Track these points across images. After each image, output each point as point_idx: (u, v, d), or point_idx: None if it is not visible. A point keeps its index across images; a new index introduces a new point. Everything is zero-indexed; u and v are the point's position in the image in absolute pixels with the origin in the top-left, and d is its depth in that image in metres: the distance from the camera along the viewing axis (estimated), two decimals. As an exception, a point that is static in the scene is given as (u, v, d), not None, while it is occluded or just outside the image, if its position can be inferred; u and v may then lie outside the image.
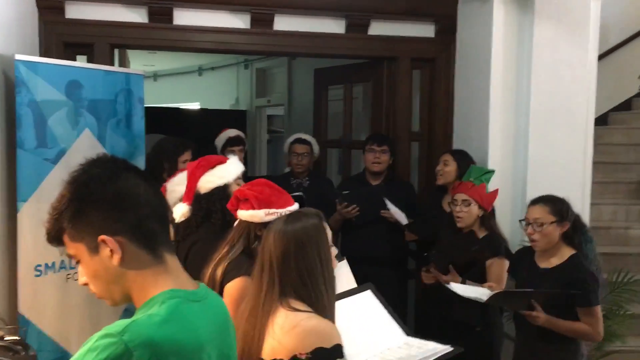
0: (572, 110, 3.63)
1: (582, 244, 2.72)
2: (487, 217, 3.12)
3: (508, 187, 3.66)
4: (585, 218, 3.43)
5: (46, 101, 2.89)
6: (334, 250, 1.95)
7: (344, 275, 2.49)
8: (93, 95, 3.12)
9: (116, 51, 3.85)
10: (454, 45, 4.08)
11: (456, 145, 4.06)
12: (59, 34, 3.56)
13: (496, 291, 2.71)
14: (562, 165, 3.60)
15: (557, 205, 2.68)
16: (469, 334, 2.97)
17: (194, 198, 2.47)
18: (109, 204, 1.11)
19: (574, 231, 2.72)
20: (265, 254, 1.77)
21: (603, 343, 3.31)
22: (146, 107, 3.53)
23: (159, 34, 3.76)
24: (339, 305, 1.87)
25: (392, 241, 3.80)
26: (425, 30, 4.11)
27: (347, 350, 1.69)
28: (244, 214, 2.12)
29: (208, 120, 6.80)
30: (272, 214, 2.05)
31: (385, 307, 2.32)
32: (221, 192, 2.47)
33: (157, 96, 8.26)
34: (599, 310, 2.63)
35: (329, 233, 1.85)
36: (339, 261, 2.43)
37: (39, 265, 2.90)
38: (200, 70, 8.62)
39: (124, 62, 3.93)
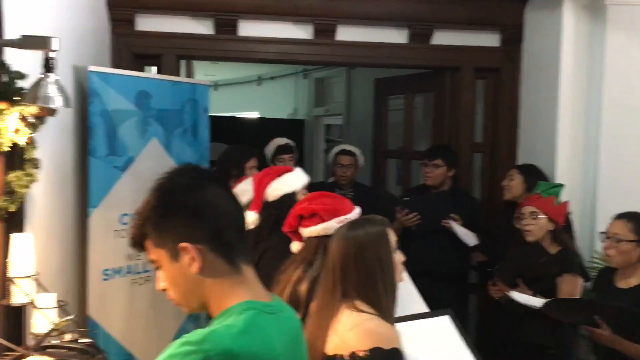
0: (646, 121, 3.48)
1: None
2: (559, 232, 2.97)
3: (577, 202, 3.52)
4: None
5: (117, 111, 2.99)
6: (401, 256, 1.92)
7: (404, 286, 2.44)
8: (161, 105, 3.21)
9: (182, 62, 3.94)
10: (519, 54, 3.99)
11: (521, 157, 3.96)
12: (129, 46, 3.68)
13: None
14: (635, 179, 3.45)
15: None
16: (540, 356, 2.83)
17: (263, 206, 2.49)
18: (191, 212, 1.13)
19: None
20: (329, 258, 1.85)
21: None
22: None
23: (223, 44, 3.84)
24: (413, 325, 1.85)
25: (453, 253, 3.69)
26: (489, 39, 4.04)
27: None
28: (315, 229, 2.08)
29: (266, 129, 6.88)
30: (342, 221, 2.03)
31: (463, 337, 2.21)
32: (290, 199, 2.48)
33: (217, 105, 8.41)
34: None
35: (394, 240, 1.87)
36: None
37: (107, 270, 2.99)
38: (259, 80, 8.74)
39: (190, 73, 4.02)
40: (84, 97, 2.97)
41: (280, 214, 2.43)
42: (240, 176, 3.26)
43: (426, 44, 3.98)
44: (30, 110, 2.09)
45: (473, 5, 3.89)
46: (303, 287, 2.04)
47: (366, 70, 5.81)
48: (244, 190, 2.67)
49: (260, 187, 2.52)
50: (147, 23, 3.72)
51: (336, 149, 4.30)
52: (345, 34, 3.90)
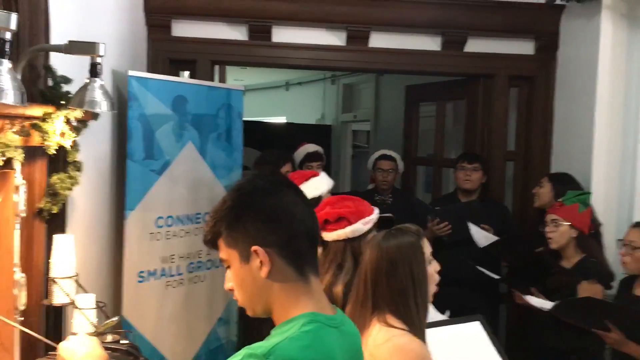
0: (685, 132, 3.42)
1: None
2: (584, 239, 2.96)
3: (612, 212, 3.47)
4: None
5: (154, 115, 3.03)
6: (437, 265, 1.91)
7: None
8: (197, 109, 3.25)
9: (216, 67, 3.99)
10: (554, 62, 3.95)
11: (555, 165, 3.91)
12: (165, 51, 3.73)
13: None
14: (673, 191, 3.39)
15: None
16: None
17: None
18: (266, 216, 1.13)
19: None
20: (362, 267, 1.85)
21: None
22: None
23: (256, 50, 3.87)
24: (445, 331, 1.84)
25: (484, 263, 3.67)
26: (524, 47, 4.01)
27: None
28: (342, 232, 2.09)
29: (293, 135, 6.90)
30: (368, 222, 2.08)
31: (494, 343, 2.20)
32: (316, 203, 2.49)
33: (245, 110, 8.46)
34: None
35: (428, 251, 1.85)
36: None
37: (142, 272, 3.02)
38: (287, 85, 8.78)
39: (222, 78, 4.06)
40: (122, 101, 3.02)
41: None
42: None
43: (460, 51, 3.96)
44: (75, 114, 2.13)
45: (508, 13, 3.87)
46: (338, 289, 2.06)
47: (395, 76, 5.80)
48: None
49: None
50: (183, 29, 3.77)
51: (376, 154, 4.27)
52: (378, 40, 3.90)
